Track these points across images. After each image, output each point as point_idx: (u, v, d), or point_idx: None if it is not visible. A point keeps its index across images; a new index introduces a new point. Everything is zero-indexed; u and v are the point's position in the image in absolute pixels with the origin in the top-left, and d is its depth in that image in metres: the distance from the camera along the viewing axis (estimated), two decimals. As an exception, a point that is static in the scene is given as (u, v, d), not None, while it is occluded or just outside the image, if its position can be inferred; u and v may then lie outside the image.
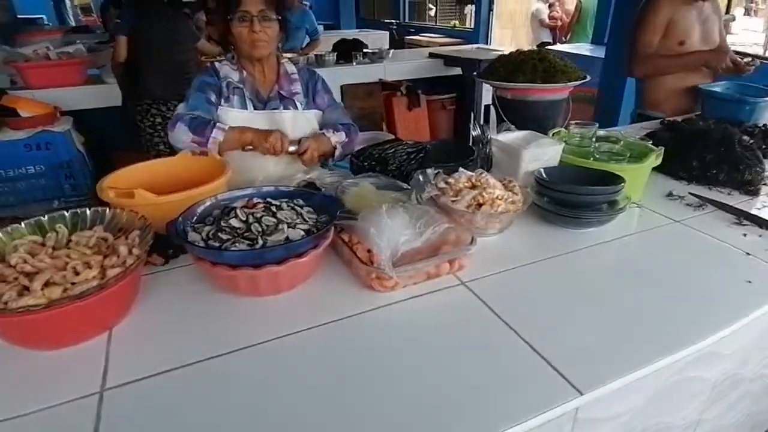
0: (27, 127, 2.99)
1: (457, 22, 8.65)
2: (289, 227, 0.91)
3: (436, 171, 1.29)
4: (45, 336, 0.80)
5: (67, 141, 3.14)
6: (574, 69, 1.51)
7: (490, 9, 7.43)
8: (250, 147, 1.43)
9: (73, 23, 9.01)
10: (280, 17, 1.44)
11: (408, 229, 1.00)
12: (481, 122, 1.42)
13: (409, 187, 1.25)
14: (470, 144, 1.54)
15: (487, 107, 3.86)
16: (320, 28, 8.43)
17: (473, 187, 1.12)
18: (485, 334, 0.87)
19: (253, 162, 1.47)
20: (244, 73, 1.52)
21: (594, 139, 1.33)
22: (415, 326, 0.89)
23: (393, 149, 1.43)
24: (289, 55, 3.95)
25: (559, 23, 7.12)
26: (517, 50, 1.55)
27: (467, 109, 4.26)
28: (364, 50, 4.14)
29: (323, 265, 1.05)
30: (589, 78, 1.51)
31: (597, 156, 1.31)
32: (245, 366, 0.80)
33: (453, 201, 1.10)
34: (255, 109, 1.52)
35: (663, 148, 1.31)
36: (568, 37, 6.79)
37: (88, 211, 1.01)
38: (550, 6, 7.25)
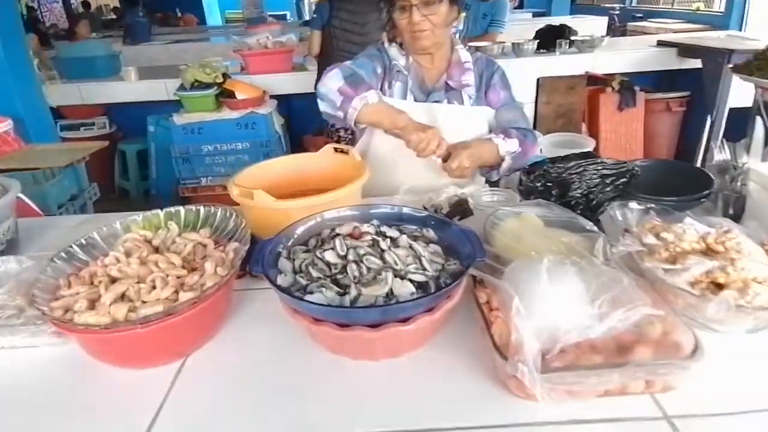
0: (240, 108, 3.37)
1: (701, 4, 7.04)
2: (396, 277, 0.64)
3: (645, 208, 0.87)
4: (106, 354, 0.70)
5: (268, 122, 3.46)
6: None
7: (749, -13, 5.78)
8: (398, 134, 1.17)
9: (307, 18, 10.28)
10: None
11: (580, 307, 0.64)
12: (722, 140, 0.91)
13: (595, 230, 0.86)
14: (708, 171, 1.03)
15: (740, 115, 2.74)
16: (528, 15, 7.83)
17: (708, 251, 0.68)
18: None
19: (399, 166, 1.24)
20: (410, 59, 1.30)
21: None
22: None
23: (581, 168, 1.03)
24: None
25: None
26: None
27: (704, 114, 3.27)
28: (572, 38, 3.54)
29: (456, 323, 0.75)
30: None
31: None
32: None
33: (667, 270, 0.68)
34: (416, 100, 1.30)
35: None
36: None
37: (202, 210, 0.92)
38: None
